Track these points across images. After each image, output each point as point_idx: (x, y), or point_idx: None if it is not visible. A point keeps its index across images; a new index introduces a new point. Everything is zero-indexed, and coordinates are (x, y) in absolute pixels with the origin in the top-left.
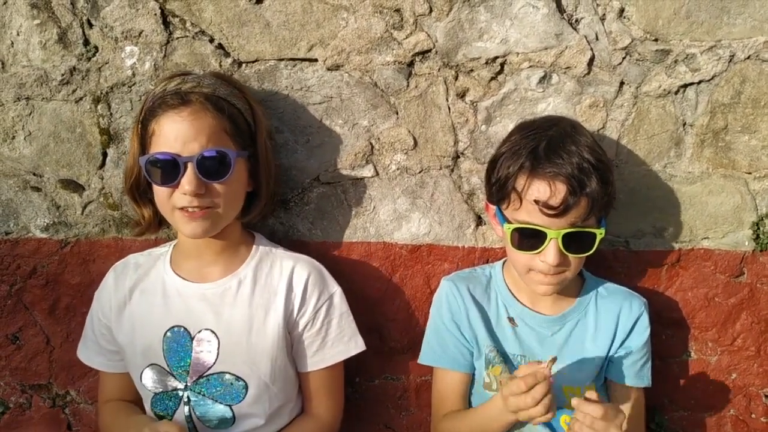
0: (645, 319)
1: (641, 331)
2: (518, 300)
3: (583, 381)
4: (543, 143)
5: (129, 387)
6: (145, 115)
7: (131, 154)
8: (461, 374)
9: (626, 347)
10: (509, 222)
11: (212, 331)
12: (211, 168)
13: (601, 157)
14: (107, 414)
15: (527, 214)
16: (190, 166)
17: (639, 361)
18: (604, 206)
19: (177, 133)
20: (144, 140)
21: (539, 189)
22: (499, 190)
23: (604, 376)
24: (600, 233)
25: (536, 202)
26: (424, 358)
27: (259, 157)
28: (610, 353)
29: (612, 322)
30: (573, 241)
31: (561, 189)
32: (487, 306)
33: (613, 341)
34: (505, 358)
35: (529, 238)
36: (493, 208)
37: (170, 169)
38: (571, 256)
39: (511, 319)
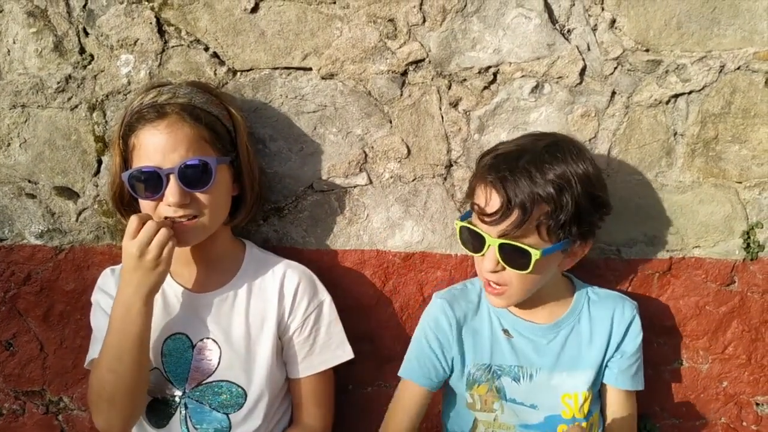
0: (637, 323)
1: (634, 335)
2: (510, 311)
3: (581, 387)
4: (507, 152)
5: None
6: (124, 130)
7: (113, 168)
8: (427, 391)
9: (621, 351)
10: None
11: (214, 340)
12: (193, 177)
13: (564, 184)
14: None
15: (474, 216)
16: (172, 178)
17: (633, 365)
18: (551, 229)
19: (156, 146)
20: (125, 154)
21: (479, 194)
22: (468, 191)
23: (600, 381)
24: (535, 254)
25: (475, 206)
26: (401, 369)
27: (241, 161)
28: (606, 358)
29: (606, 327)
30: (509, 255)
31: (496, 198)
32: (479, 321)
33: (608, 346)
34: (495, 375)
35: (473, 240)
36: None
37: (153, 182)
38: (508, 269)
39: (505, 331)
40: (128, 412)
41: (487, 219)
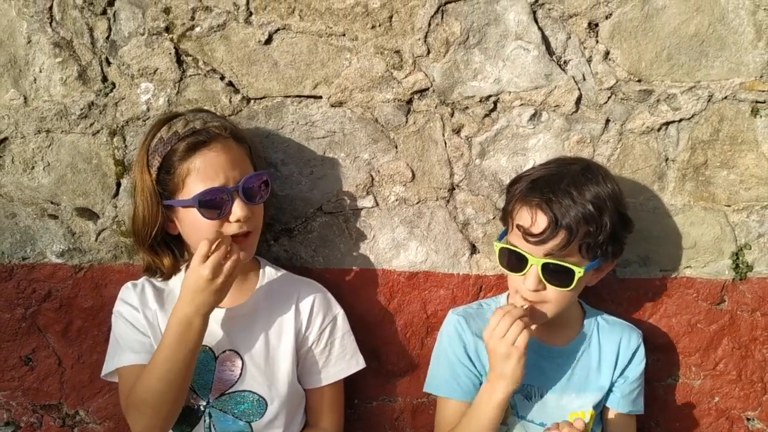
0: (642, 351)
1: (638, 362)
2: None
3: (587, 407)
4: (545, 175)
5: None
6: (164, 162)
7: (151, 205)
8: (468, 405)
9: (625, 377)
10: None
11: (236, 352)
12: (254, 192)
13: (602, 205)
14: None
15: (516, 238)
16: (237, 195)
17: (635, 390)
18: (591, 248)
19: (217, 167)
20: (169, 185)
21: (523, 216)
22: (503, 214)
23: (603, 404)
24: (579, 272)
25: (519, 227)
26: (433, 388)
27: None
28: (612, 382)
29: (613, 353)
30: (552, 273)
31: (542, 219)
32: None
33: (614, 371)
34: None
35: (514, 260)
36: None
37: (219, 201)
38: (549, 287)
39: None
40: (171, 418)
41: (532, 239)
